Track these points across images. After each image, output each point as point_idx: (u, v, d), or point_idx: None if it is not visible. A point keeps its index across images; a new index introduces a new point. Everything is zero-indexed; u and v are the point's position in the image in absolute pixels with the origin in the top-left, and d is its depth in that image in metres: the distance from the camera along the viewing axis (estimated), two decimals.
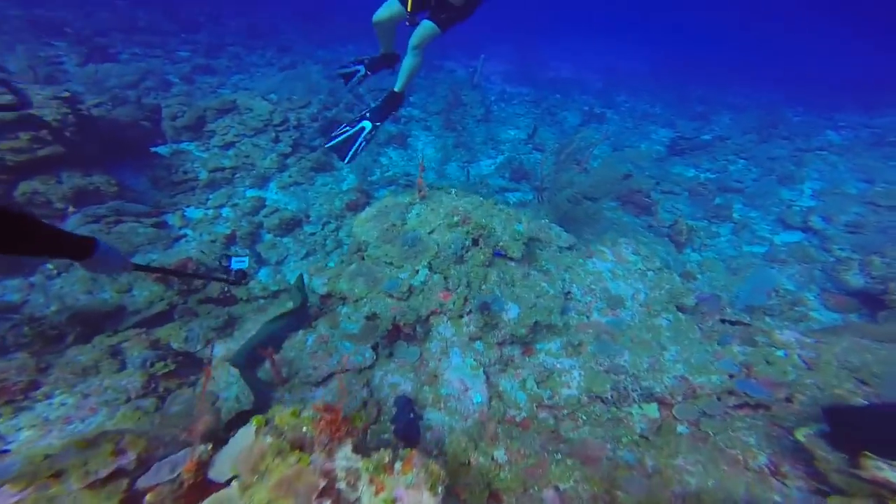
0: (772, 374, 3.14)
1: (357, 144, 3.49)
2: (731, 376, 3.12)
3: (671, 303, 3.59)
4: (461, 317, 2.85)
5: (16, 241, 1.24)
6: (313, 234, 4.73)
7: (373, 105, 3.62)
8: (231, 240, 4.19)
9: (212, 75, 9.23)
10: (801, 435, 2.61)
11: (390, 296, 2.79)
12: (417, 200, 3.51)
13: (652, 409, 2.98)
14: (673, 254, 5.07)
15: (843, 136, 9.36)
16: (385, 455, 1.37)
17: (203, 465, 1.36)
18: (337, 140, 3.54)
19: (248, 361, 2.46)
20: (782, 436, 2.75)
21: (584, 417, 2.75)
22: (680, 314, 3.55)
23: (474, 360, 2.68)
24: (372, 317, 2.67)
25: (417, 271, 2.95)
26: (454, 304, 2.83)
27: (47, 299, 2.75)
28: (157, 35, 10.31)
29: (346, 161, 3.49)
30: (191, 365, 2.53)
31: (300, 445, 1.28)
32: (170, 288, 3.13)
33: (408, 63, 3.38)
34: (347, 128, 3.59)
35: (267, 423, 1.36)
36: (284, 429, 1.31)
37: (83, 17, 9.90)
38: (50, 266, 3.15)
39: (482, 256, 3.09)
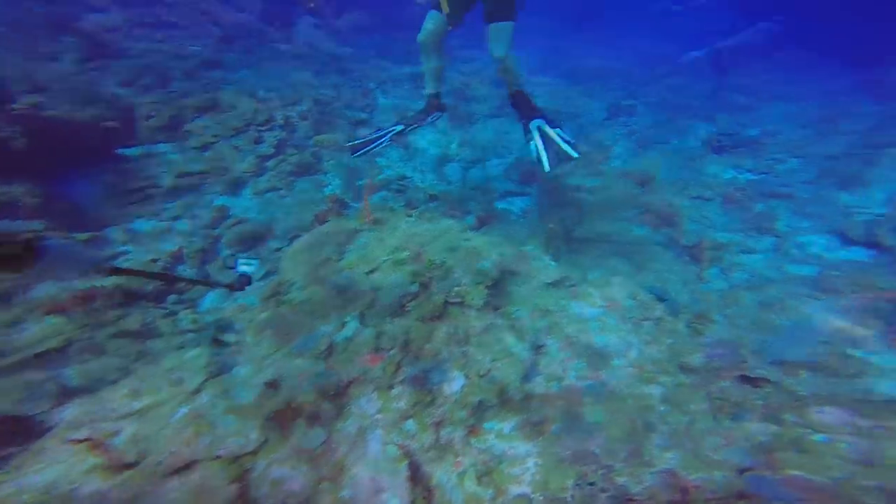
0: (806, 468, 2.25)
1: (557, 141, 3.31)
2: (741, 471, 2.40)
3: (672, 362, 2.89)
4: (391, 388, 2.31)
5: None
6: (278, 249, 4.30)
7: (518, 114, 3.51)
8: (177, 258, 3.82)
9: (221, 70, 8.87)
10: None
11: (301, 356, 2.29)
12: (366, 227, 2.98)
13: None
14: (691, 283, 4.26)
15: None
16: None
17: None
18: (542, 159, 3.36)
19: None
20: None
21: None
22: (683, 377, 2.85)
23: (398, 448, 2.15)
24: (272, 384, 2.18)
25: (344, 324, 2.43)
26: (384, 370, 2.30)
27: None
28: (177, 29, 10.04)
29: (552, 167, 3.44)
30: (15, 433, 2.08)
31: None
32: (71, 321, 2.78)
33: (507, 67, 3.30)
34: (531, 144, 3.45)
35: None
36: None
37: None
38: None
39: (430, 307, 2.52)
